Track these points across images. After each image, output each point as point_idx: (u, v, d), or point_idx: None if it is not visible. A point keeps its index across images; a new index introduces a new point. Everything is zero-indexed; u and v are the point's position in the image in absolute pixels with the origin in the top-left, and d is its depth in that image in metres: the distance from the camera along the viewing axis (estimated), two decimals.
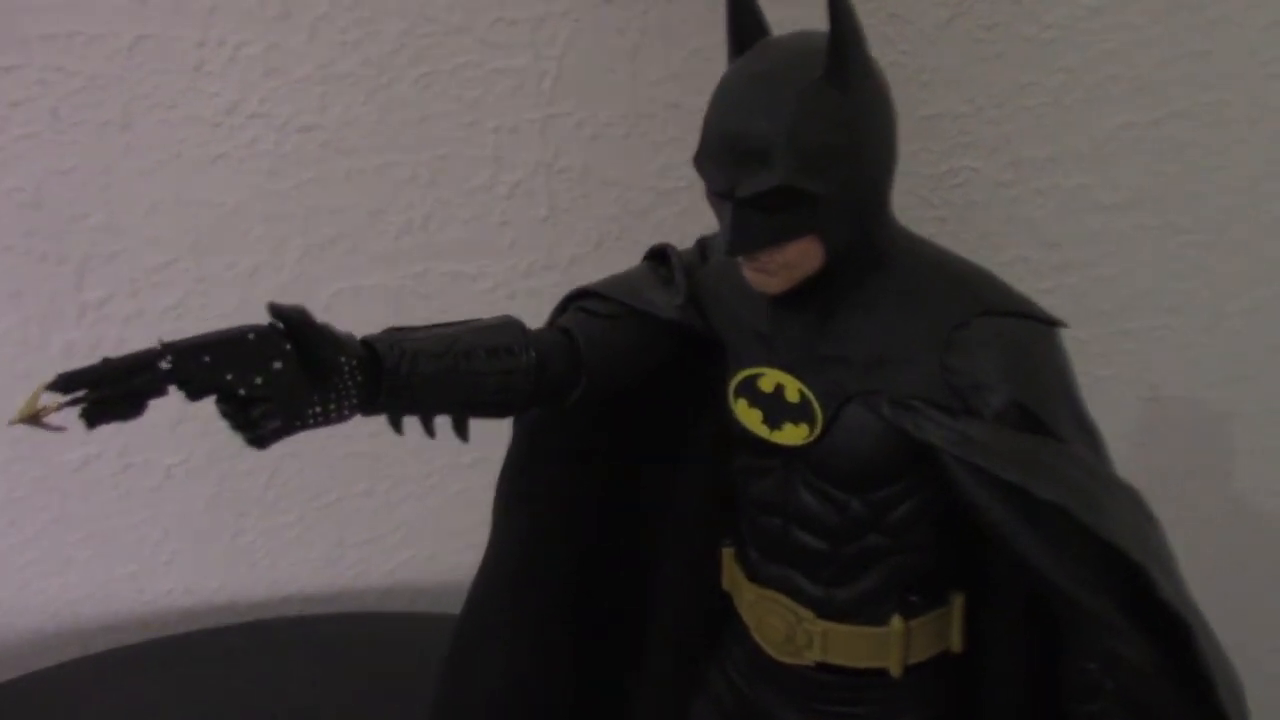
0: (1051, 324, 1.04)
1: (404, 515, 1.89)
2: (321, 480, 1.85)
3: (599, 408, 1.15)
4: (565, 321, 1.12)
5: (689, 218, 1.73)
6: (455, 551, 1.92)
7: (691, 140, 1.67)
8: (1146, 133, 1.73)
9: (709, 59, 1.65)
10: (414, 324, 1.05)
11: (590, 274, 1.74)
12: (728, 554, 1.21)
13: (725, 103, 0.99)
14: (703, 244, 1.20)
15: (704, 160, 1.00)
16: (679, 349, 1.14)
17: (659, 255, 1.20)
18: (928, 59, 1.69)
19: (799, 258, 1.00)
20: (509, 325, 1.07)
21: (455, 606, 1.91)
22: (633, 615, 1.31)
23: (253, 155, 1.64)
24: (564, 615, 1.29)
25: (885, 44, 1.65)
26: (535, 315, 1.76)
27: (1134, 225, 1.79)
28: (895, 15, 1.64)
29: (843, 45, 0.95)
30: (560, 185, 1.71)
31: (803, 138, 0.94)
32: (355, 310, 1.71)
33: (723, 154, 0.97)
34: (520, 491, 1.25)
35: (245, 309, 1.70)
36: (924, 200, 1.75)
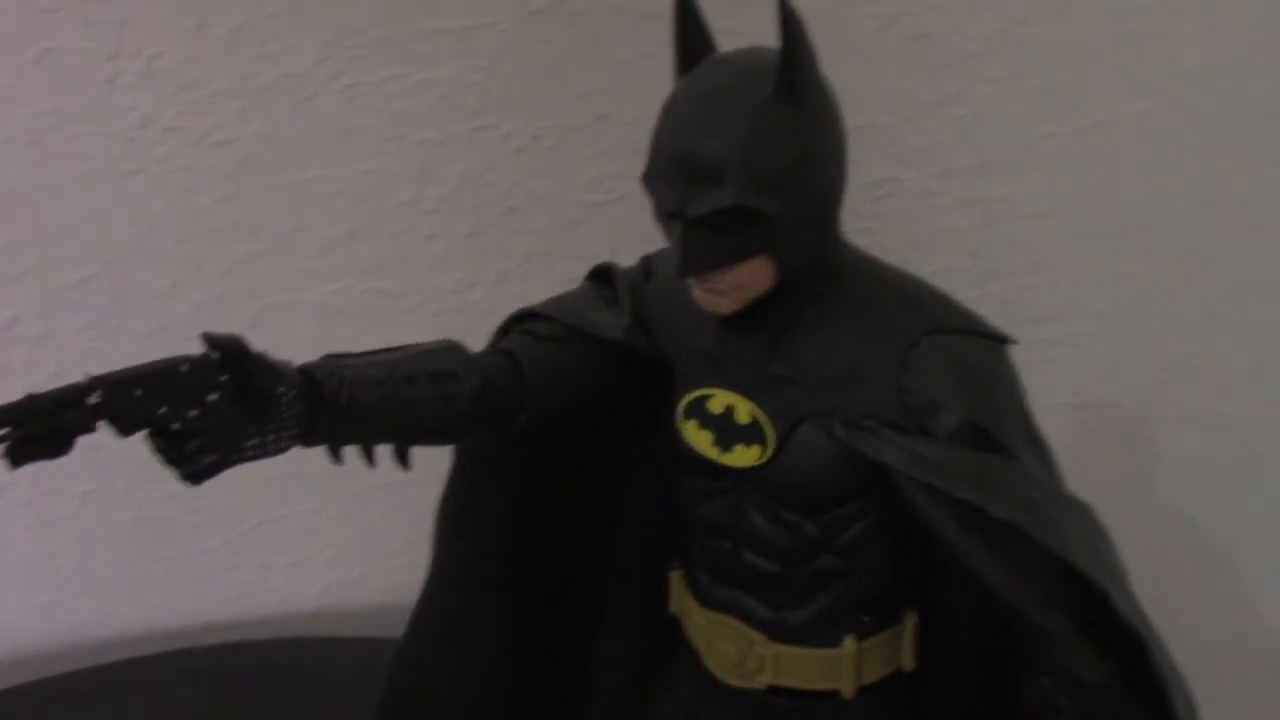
0: (1001, 340, 1.04)
1: (330, 537, 1.85)
2: (244, 503, 1.80)
3: (543, 430, 1.12)
4: (508, 344, 1.10)
5: (618, 231, 1.70)
6: (384, 573, 1.88)
7: (621, 152, 1.67)
8: (1070, 143, 1.75)
9: (638, 71, 1.64)
10: (353, 350, 1.02)
11: (519, 289, 1.73)
12: (676, 577, 1.19)
13: (675, 121, 0.97)
14: (646, 262, 1.18)
15: (653, 179, 0.98)
16: (625, 370, 1.12)
17: (602, 275, 1.18)
18: (856, 69, 1.68)
19: (751, 278, 0.98)
20: (451, 349, 1.04)
21: (386, 629, 1.88)
22: (584, 638, 1.29)
23: (169, 170, 1.59)
24: (512, 639, 1.27)
25: None
26: (463, 332, 1.72)
27: (1058, 234, 1.80)
28: (824, 26, 1.63)
29: (795, 62, 0.94)
30: (488, 199, 1.67)
31: (756, 157, 0.93)
32: (279, 328, 1.66)
33: (673, 173, 0.95)
34: (463, 517, 1.22)
35: (163, 329, 1.66)
36: (852, 211, 1.72)
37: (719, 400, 1.07)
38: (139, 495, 1.75)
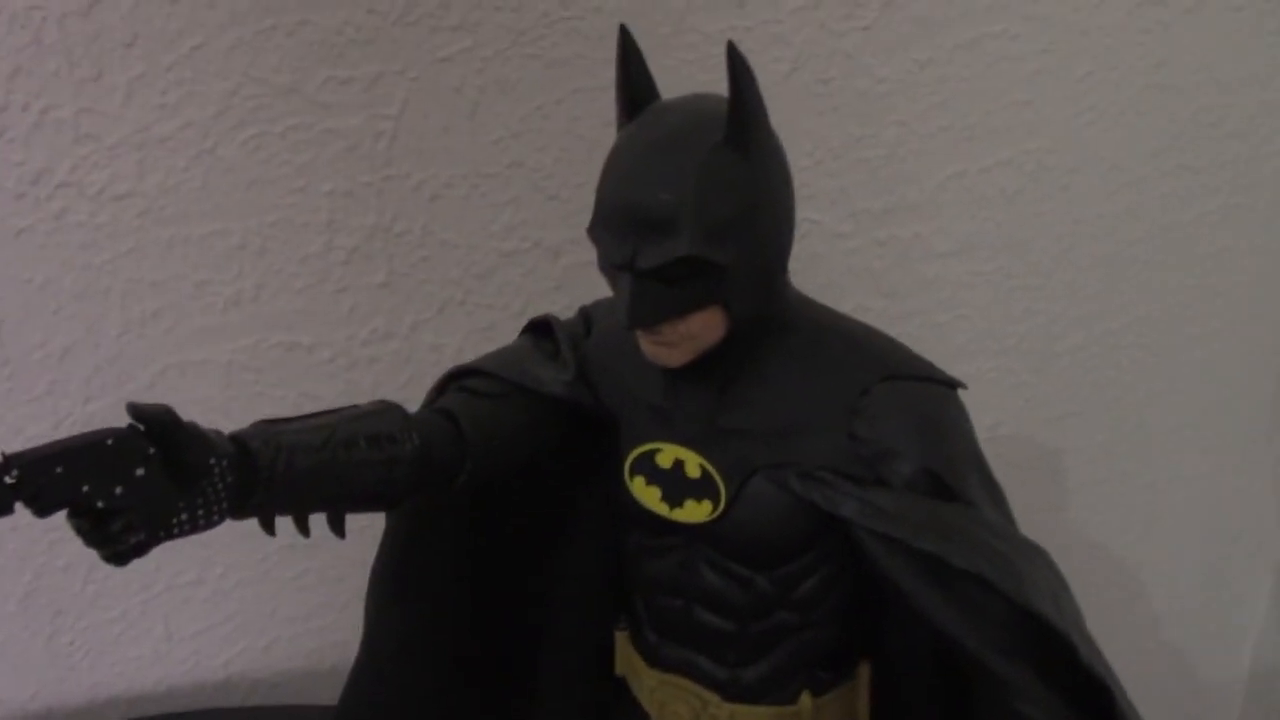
0: (952, 386, 1.04)
1: (237, 603, 1.77)
2: (146, 571, 1.72)
3: (482, 489, 1.09)
4: (446, 403, 1.05)
5: (533, 279, 1.68)
6: (293, 639, 1.81)
7: (534, 199, 1.64)
8: (976, 181, 1.77)
9: (548, 116, 1.61)
10: (286, 415, 0.97)
11: (433, 339, 1.69)
12: (622, 637, 1.16)
13: (623, 171, 0.94)
14: (585, 314, 1.15)
15: (601, 231, 0.95)
16: (568, 426, 1.09)
17: (541, 328, 1.14)
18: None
19: (701, 329, 0.96)
20: (389, 411, 1.00)
21: (299, 696, 1.81)
22: (524, 701, 1.25)
23: (62, 227, 1.51)
24: (450, 706, 1.22)
25: None
26: (376, 386, 1.68)
27: (967, 272, 1.82)
28: None
29: (744, 111, 0.92)
30: (399, 249, 1.63)
31: (707, 206, 0.91)
32: (181, 388, 1.59)
33: (622, 225, 0.93)
34: (399, 581, 1.16)
35: (56, 392, 1.58)
36: None
37: (667, 454, 1.04)
38: (32, 565, 1.66)
